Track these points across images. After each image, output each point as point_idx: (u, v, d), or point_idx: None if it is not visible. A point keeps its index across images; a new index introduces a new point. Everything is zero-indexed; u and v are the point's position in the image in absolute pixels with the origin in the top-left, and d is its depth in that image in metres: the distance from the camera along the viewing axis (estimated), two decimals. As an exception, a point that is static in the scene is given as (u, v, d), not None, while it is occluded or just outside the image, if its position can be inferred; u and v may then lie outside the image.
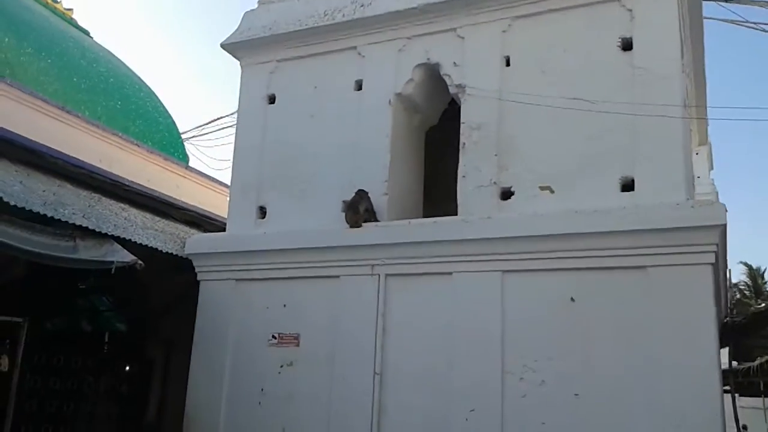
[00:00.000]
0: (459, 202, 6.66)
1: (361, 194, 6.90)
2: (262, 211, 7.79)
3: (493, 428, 5.89)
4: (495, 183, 6.55)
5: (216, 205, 11.01)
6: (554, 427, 5.70)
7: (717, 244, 5.45)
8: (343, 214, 7.08)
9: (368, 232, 6.82)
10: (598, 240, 5.87)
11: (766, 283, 30.95)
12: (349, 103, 7.53)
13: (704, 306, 5.43)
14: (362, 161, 7.24)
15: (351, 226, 6.87)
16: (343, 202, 7.15)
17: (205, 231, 9.38)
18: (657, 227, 5.61)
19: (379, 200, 6.98)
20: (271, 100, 8.05)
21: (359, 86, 7.54)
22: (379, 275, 6.75)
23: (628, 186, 6.04)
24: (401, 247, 6.68)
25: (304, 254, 7.14)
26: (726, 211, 5.40)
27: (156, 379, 9.28)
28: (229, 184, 12.55)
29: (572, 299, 5.91)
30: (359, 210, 6.85)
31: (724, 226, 5.41)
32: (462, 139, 6.81)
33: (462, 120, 6.89)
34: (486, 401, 5.98)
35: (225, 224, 9.64)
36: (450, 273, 6.45)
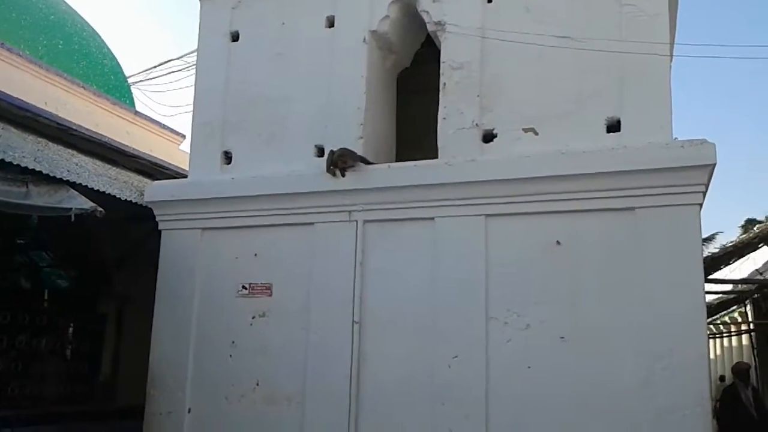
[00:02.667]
0: (440, 145, 6.43)
1: (353, 155, 6.51)
2: (227, 157, 7.37)
3: (477, 374, 5.80)
4: (477, 125, 6.34)
5: (168, 153, 10.46)
6: (540, 370, 5.66)
7: (706, 184, 5.43)
8: (317, 158, 6.78)
9: (345, 177, 6.52)
10: (584, 182, 5.77)
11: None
12: (320, 41, 7.11)
13: (692, 247, 5.43)
14: (336, 103, 6.88)
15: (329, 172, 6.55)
16: (317, 147, 6.86)
17: (157, 180, 8.91)
18: (646, 168, 5.54)
19: (354, 145, 6.66)
20: (234, 37, 7.54)
21: (331, 23, 7.11)
22: (356, 221, 6.50)
23: (614, 127, 5.94)
24: (380, 192, 6.43)
25: (277, 201, 6.81)
26: (716, 150, 5.36)
27: (109, 335, 8.86)
28: (180, 131, 12.14)
29: (558, 242, 5.82)
30: (346, 165, 6.48)
31: (714, 165, 5.38)
32: (442, 80, 6.55)
33: (442, 60, 6.60)
34: (470, 347, 5.88)
35: (178, 174, 9.19)
36: (432, 218, 6.25)
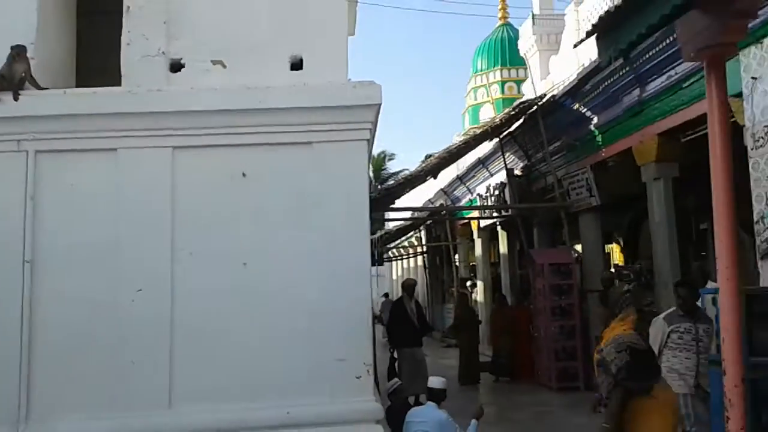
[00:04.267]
0: (123, 72, 6.12)
1: (19, 51, 5.81)
2: None
3: (161, 305, 5.83)
4: (164, 53, 6.16)
5: None
6: (223, 295, 5.88)
7: (372, 122, 6.09)
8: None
9: (11, 102, 5.85)
10: (269, 116, 6.03)
11: (387, 163, 36.11)
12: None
13: (360, 178, 6.09)
14: (2, 20, 6.06)
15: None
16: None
17: None
18: (322, 105, 5.99)
19: (23, 65, 5.98)
20: None
21: None
22: (27, 152, 5.91)
23: (297, 65, 6.28)
24: (55, 121, 5.91)
25: None
26: (381, 91, 6.01)
27: None
28: None
29: (244, 174, 6.04)
30: (14, 75, 5.78)
31: (380, 105, 6.04)
32: (126, 2, 6.19)
33: (123, -21, 6.22)
34: (154, 279, 5.86)
35: None
36: (114, 149, 5.98)
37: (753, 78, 7.11)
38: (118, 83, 6.17)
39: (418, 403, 7.75)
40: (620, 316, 5.47)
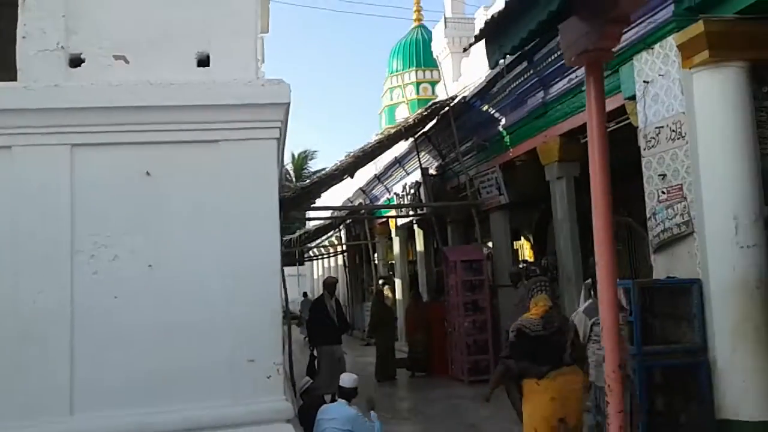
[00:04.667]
0: (19, 67, 5.86)
1: None
2: None
3: (62, 307, 5.63)
4: (63, 48, 5.93)
5: None
6: (127, 298, 5.74)
7: (282, 121, 6.09)
8: None
9: None
10: (174, 114, 5.92)
11: (309, 162, 36.10)
12: None
13: (269, 177, 6.07)
14: None
15: None
16: None
17: None
18: (230, 103, 5.94)
19: None
20: None
21: None
22: None
23: (204, 61, 6.19)
24: (-57, 117, 5.61)
25: None
26: (290, 90, 6.02)
27: None
28: None
29: (148, 173, 5.91)
30: None
31: (288, 104, 6.05)
32: (19, -7, 5.93)
33: (17, -32, 5.96)
34: (55, 282, 5.65)
35: None
36: (9, 147, 5.72)
37: (645, 82, 7.57)
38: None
39: (334, 401, 7.81)
40: (533, 300, 5.71)
